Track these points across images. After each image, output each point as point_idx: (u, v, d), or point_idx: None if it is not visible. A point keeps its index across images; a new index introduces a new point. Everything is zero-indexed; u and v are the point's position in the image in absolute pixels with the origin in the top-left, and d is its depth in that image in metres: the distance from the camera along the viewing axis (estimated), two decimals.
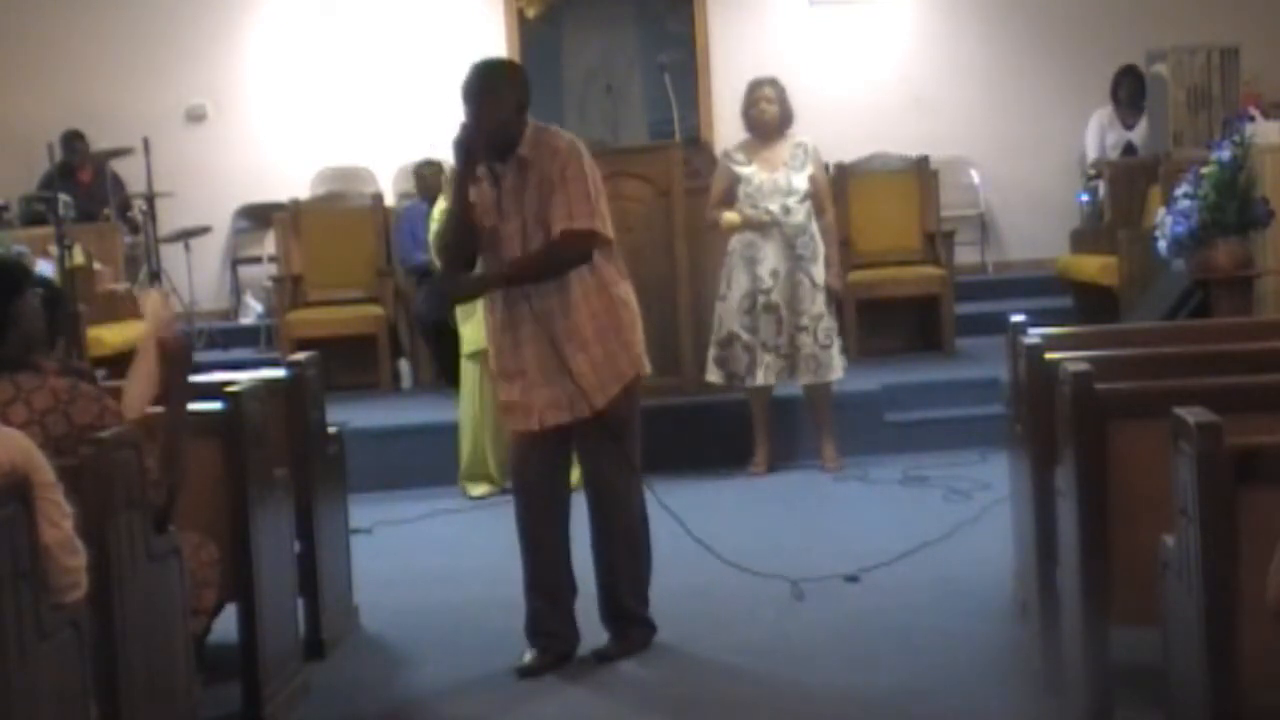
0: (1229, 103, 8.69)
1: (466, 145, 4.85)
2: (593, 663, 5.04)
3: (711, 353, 7.59)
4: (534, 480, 5.06)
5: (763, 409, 7.68)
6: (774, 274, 7.45)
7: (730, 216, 7.48)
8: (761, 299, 7.45)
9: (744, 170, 7.52)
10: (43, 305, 4.08)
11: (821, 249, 7.53)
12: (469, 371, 7.55)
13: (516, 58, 11.22)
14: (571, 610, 5.11)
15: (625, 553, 5.09)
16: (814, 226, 7.52)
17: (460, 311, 7.37)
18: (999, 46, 11.40)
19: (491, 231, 4.92)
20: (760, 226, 7.45)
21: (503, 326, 4.98)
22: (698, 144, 10.13)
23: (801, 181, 7.49)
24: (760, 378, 7.50)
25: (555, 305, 4.89)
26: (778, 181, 7.47)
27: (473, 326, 7.18)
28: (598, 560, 5.12)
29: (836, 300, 7.67)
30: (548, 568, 5.08)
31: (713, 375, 7.61)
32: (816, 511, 6.99)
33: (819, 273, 7.49)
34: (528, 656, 5.01)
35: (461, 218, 4.91)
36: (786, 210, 7.45)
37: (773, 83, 7.62)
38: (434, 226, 7.68)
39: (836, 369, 7.56)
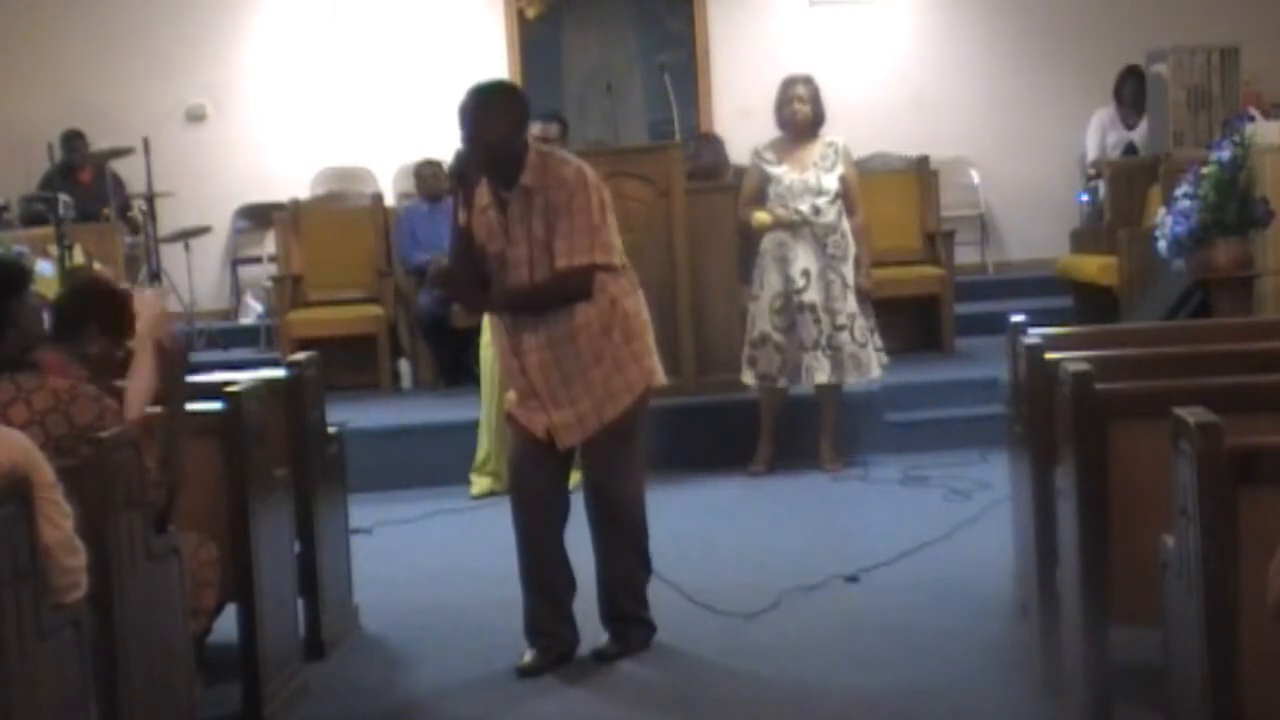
0: (1229, 103, 8.69)
1: (462, 171, 4.85)
2: (592, 663, 5.04)
3: (745, 353, 7.57)
4: (534, 484, 5.04)
5: (773, 410, 7.65)
6: (805, 274, 7.42)
7: (761, 216, 7.45)
8: (795, 299, 7.42)
9: (774, 170, 7.50)
10: (88, 298, 4.12)
11: (853, 249, 7.50)
12: (488, 362, 7.49)
13: (516, 58, 11.25)
14: (570, 609, 5.11)
15: (625, 555, 5.09)
16: (845, 226, 7.48)
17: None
18: (999, 46, 11.40)
19: (499, 256, 4.92)
20: (791, 226, 7.43)
21: (511, 350, 4.98)
22: (706, 138, 10.07)
23: (832, 181, 7.46)
24: (804, 379, 7.48)
25: (564, 332, 4.89)
26: (808, 181, 7.44)
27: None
28: (598, 562, 5.12)
29: (868, 299, 7.60)
30: (545, 568, 5.07)
31: (746, 376, 7.58)
32: (816, 512, 6.99)
33: (849, 272, 7.47)
34: (527, 656, 5.01)
35: (464, 245, 4.92)
36: (816, 210, 7.42)
37: (806, 81, 7.57)
38: None
39: (874, 368, 7.54)
